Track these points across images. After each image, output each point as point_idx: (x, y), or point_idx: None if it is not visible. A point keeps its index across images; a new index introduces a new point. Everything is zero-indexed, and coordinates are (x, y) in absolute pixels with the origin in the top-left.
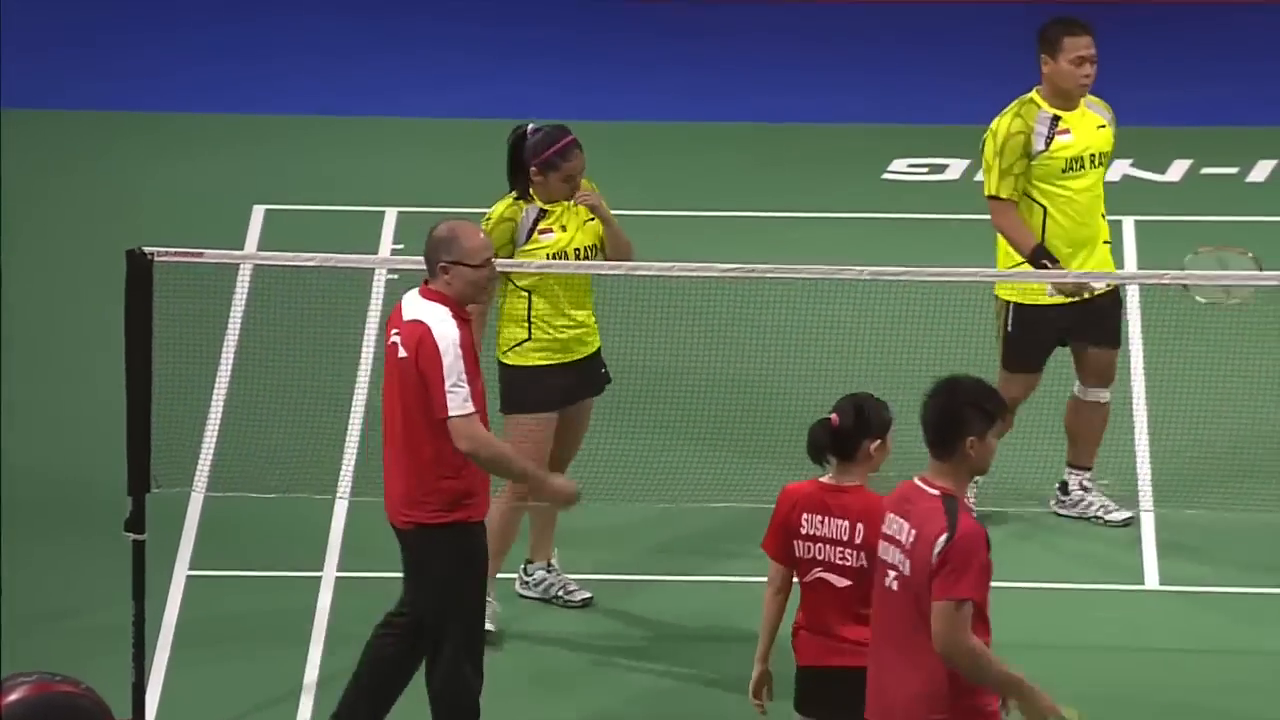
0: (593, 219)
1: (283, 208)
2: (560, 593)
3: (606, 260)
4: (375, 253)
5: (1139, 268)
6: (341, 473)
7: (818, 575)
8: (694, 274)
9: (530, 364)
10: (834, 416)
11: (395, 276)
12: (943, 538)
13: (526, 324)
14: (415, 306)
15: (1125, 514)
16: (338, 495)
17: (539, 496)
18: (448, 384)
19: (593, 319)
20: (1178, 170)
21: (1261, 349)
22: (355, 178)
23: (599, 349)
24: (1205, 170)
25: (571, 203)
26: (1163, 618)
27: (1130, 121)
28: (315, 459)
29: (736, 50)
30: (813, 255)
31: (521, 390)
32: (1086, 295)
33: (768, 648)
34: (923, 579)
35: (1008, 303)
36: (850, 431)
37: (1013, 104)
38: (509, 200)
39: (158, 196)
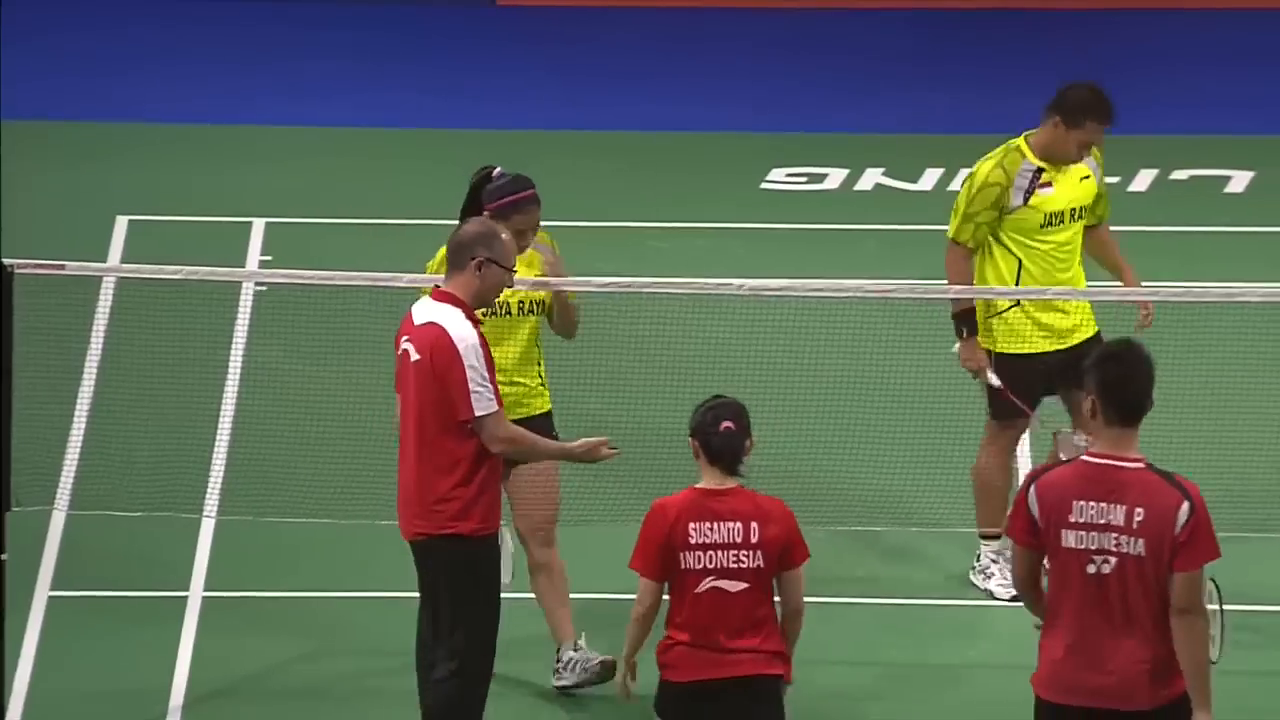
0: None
1: (147, 218)
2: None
3: (552, 327)
4: (242, 264)
5: None
6: (208, 491)
7: (711, 585)
8: (568, 287)
9: None
10: (730, 424)
11: (263, 288)
12: (1184, 508)
13: None
14: (428, 310)
15: None
16: (204, 514)
17: (577, 460)
18: (471, 386)
19: (537, 380)
20: None
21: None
22: (221, 188)
23: (547, 412)
24: None
25: (530, 252)
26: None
27: (998, 130)
28: (181, 476)
29: (608, 56)
30: (689, 266)
31: None
32: (982, 380)
33: (633, 667)
34: (1164, 554)
35: (989, 351)
36: (744, 430)
37: (998, 150)
38: None
39: (17, 207)
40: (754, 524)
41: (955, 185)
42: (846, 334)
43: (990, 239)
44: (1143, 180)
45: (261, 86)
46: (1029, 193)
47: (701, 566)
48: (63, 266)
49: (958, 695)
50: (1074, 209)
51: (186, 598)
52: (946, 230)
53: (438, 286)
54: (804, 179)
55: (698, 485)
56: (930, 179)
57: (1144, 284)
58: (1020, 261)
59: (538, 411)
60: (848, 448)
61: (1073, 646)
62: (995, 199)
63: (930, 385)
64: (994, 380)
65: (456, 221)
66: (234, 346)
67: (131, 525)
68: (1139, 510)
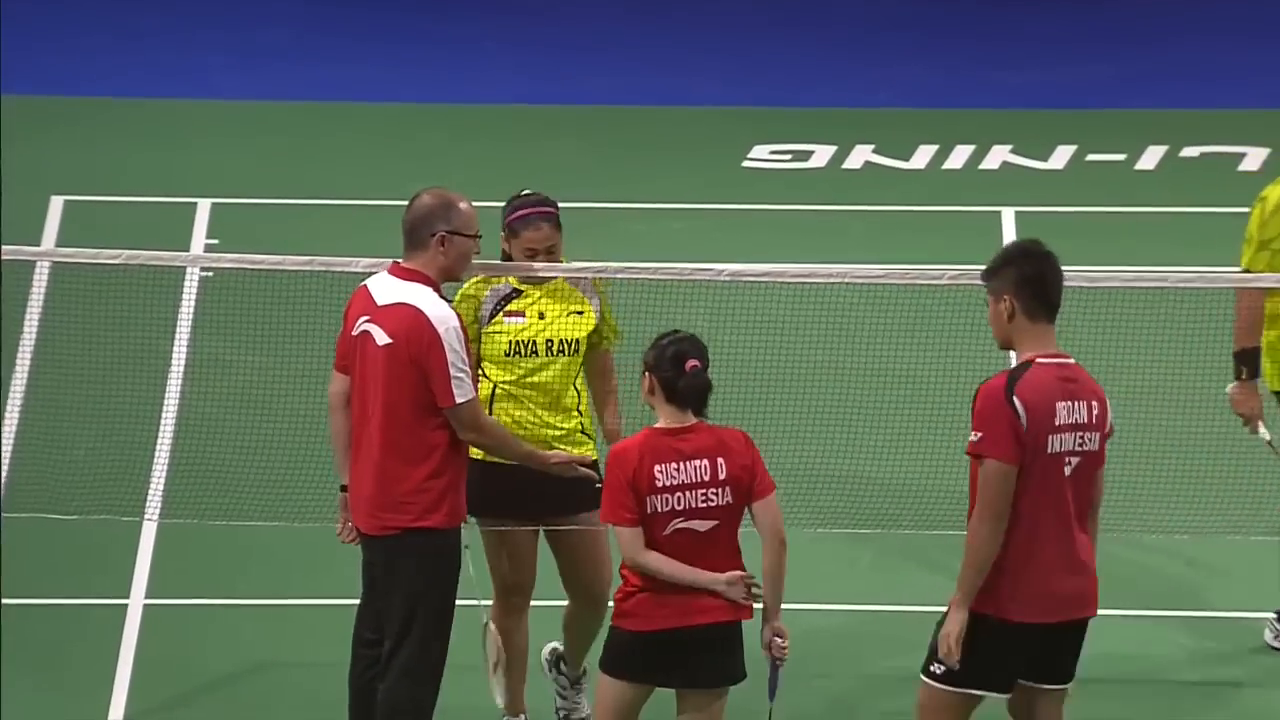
0: (582, 311)
1: (84, 198)
2: None
3: (588, 375)
4: (187, 248)
5: None
6: (150, 492)
7: (678, 527)
8: (532, 273)
9: (482, 459)
10: (694, 361)
11: (210, 274)
12: (1105, 398)
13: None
14: (393, 289)
15: None
16: (146, 516)
17: (544, 470)
18: (452, 371)
19: (577, 424)
20: (1061, 157)
21: (1158, 345)
22: (164, 166)
23: (591, 463)
24: (1091, 157)
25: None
26: None
27: (1011, 104)
28: (121, 476)
29: (576, 25)
30: (665, 250)
31: (476, 487)
32: (1250, 431)
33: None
34: (1101, 445)
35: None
36: (707, 366)
37: None
38: (481, 277)
39: None
40: (720, 459)
41: (950, 163)
42: (833, 323)
43: None
44: (1151, 158)
45: (208, 57)
46: None
47: (669, 509)
48: None
49: None
50: None
51: (126, 606)
52: (1240, 261)
53: (397, 263)
54: (788, 156)
55: (655, 425)
56: (923, 156)
57: (1151, 269)
58: None
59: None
60: (835, 446)
61: (1058, 559)
62: None
63: (924, 378)
64: (1264, 434)
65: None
66: (178, 337)
67: (67, 529)
68: (1095, 404)
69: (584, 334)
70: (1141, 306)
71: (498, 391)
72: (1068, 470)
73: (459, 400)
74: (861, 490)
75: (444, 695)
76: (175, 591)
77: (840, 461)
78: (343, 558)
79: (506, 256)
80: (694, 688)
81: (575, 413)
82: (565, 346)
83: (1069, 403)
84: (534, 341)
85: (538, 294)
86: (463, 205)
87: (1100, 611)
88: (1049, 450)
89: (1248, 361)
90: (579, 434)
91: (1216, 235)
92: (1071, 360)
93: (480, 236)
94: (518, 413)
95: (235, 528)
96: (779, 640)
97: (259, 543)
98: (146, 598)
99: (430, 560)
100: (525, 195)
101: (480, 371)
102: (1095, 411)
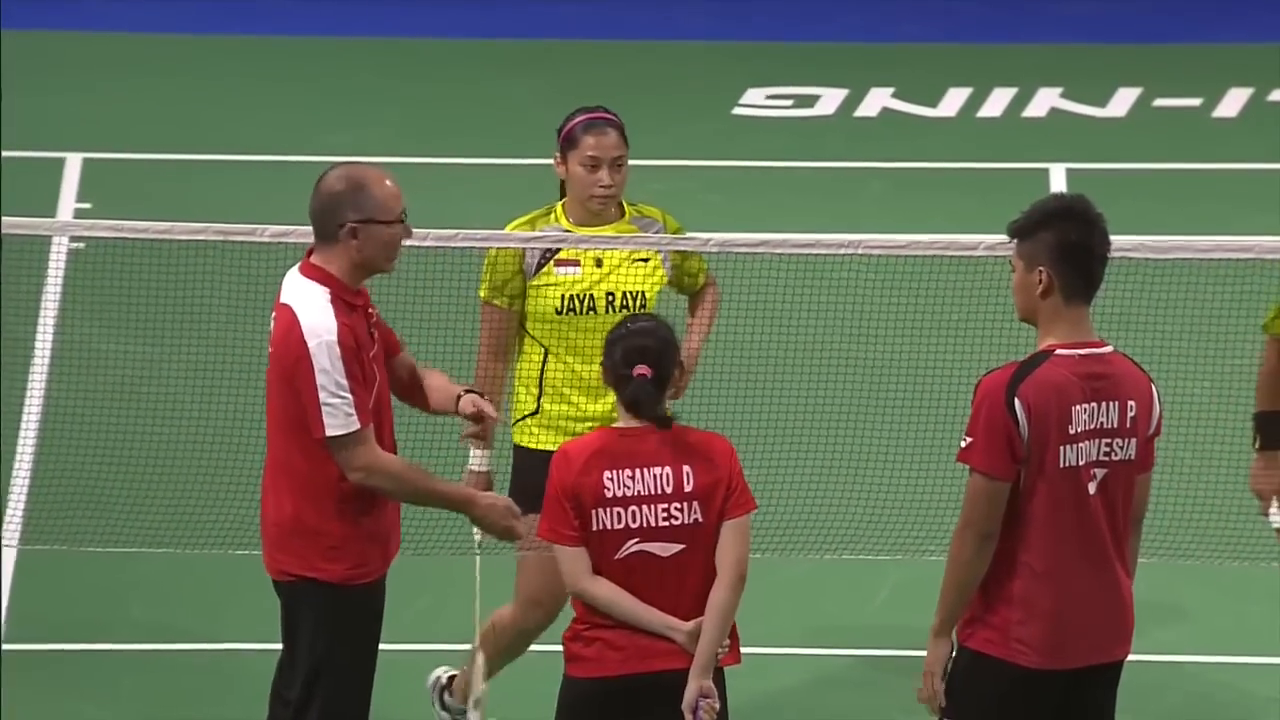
0: (647, 258)
1: None
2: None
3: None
4: (53, 214)
5: None
6: (8, 512)
7: (634, 550)
8: (482, 244)
9: (538, 448)
10: (644, 369)
11: (81, 245)
12: (1156, 393)
13: (537, 391)
14: (291, 284)
15: None
16: (4, 542)
17: (474, 520)
18: (321, 396)
19: None
20: (1123, 102)
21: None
22: (24, 112)
23: None
24: (1158, 102)
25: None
26: None
27: (1062, 38)
28: None
29: None
30: None
31: (525, 480)
32: (1262, 513)
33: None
34: (1141, 450)
35: None
36: (665, 372)
37: None
38: (526, 217)
39: None
40: (686, 468)
41: (987, 110)
42: (844, 303)
43: None
44: (1232, 103)
45: None
46: None
47: (622, 526)
48: None
49: None
50: None
51: None
52: None
53: (309, 253)
54: (789, 102)
55: (614, 425)
56: (954, 102)
57: (1232, 237)
58: None
59: None
60: (844, 453)
61: (1076, 594)
62: None
63: (952, 370)
64: (1275, 519)
65: (329, 159)
66: (42, 321)
67: None
68: (1131, 404)
69: (652, 288)
70: (1220, 281)
71: (549, 358)
72: (1093, 486)
73: (329, 433)
74: (877, 507)
75: None
76: (38, 635)
77: (851, 472)
78: (247, 593)
79: (560, 186)
80: None
81: None
82: (630, 300)
83: (1092, 404)
84: (591, 295)
85: (594, 235)
86: (375, 187)
87: (1197, 658)
88: (1061, 464)
89: (1264, 426)
90: None
91: None
92: (1108, 349)
93: (403, 220)
94: (572, 387)
95: (113, 555)
96: (707, 701)
97: (143, 575)
98: (5, 642)
99: (330, 620)
100: (583, 107)
101: (527, 333)
102: (1132, 413)
